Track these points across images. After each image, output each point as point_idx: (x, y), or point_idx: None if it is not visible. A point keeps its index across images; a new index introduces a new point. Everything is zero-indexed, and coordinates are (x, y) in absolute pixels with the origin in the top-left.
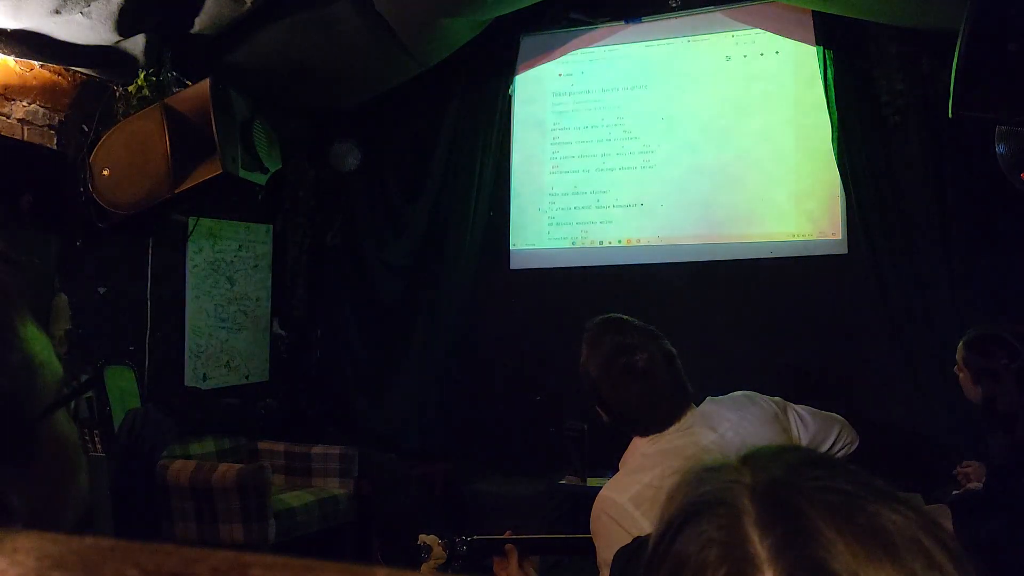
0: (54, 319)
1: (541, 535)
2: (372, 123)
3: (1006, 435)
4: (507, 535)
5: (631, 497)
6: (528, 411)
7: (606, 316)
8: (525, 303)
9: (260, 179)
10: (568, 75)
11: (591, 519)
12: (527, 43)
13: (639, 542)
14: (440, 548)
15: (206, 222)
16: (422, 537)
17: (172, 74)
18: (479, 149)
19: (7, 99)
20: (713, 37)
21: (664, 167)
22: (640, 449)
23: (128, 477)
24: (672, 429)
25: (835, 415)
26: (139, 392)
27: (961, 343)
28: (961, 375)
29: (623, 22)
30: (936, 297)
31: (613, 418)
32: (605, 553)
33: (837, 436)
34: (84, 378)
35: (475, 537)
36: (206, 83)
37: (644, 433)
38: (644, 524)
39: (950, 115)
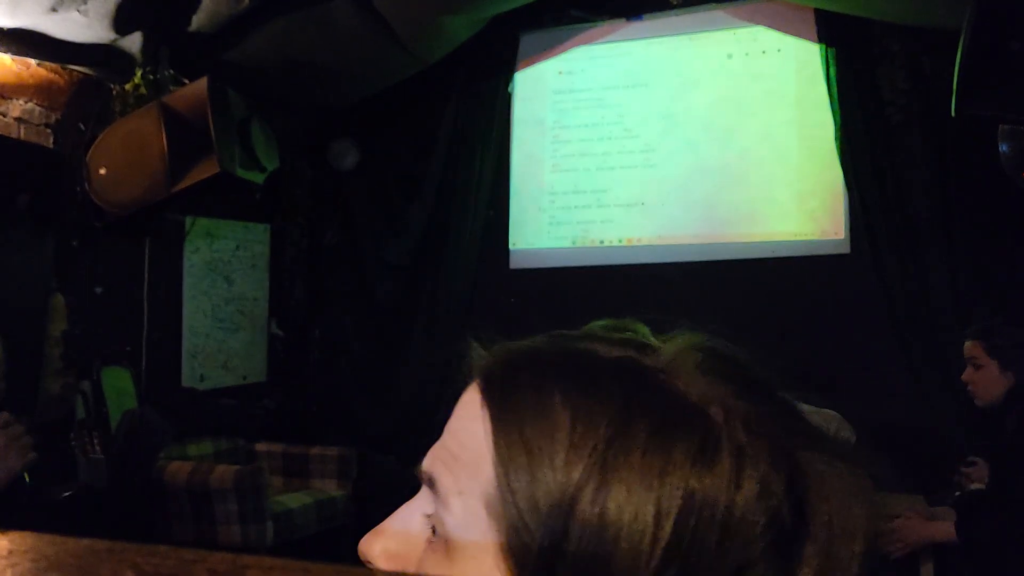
0: (50, 320)
1: None
2: (371, 122)
3: None
4: None
5: None
6: None
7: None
8: (525, 303)
9: (258, 178)
10: (568, 73)
11: None
12: (527, 41)
13: None
14: None
15: (203, 222)
16: None
17: (169, 72)
18: (478, 148)
19: (3, 98)
20: (715, 35)
21: (665, 166)
22: None
23: (125, 479)
24: None
25: (831, 411)
26: (136, 393)
27: (976, 342)
28: (981, 372)
29: (624, 19)
30: (939, 297)
31: None
32: None
33: (835, 433)
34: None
35: None
36: (203, 81)
37: None
38: None
39: (953, 114)
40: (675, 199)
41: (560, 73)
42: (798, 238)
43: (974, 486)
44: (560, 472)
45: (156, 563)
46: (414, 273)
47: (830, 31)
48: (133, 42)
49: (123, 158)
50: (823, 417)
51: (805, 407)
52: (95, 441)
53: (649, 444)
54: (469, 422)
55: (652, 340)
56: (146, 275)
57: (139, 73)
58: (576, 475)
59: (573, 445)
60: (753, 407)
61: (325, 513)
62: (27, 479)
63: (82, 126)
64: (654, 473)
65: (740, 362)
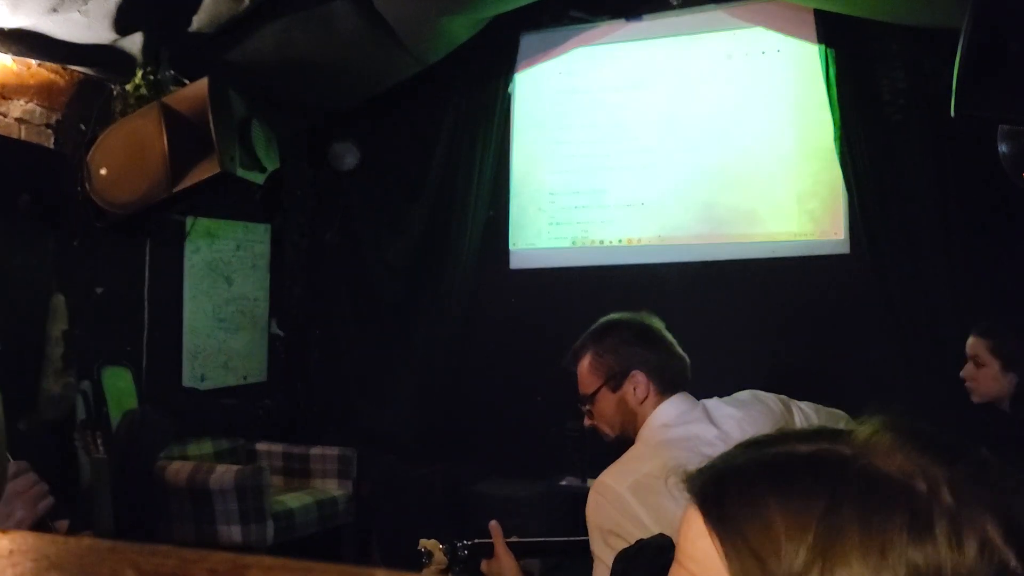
0: (51, 319)
1: (543, 539)
2: (371, 122)
3: None
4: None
5: (630, 485)
6: (528, 412)
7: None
8: (525, 303)
9: (258, 178)
10: (568, 73)
11: (587, 506)
12: (527, 41)
13: (640, 545)
14: (441, 553)
15: (204, 222)
16: (423, 542)
17: (170, 73)
18: (478, 148)
19: (4, 98)
20: (714, 35)
21: (665, 166)
22: (644, 440)
23: (125, 478)
24: (679, 413)
25: (839, 411)
26: (137, 393)
27: (980, 340)
28: (983, 370)
29: (624, 20)
30: (938, 297)
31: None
32: (598, 543)
33: None
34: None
35: (476, 541)
36: (204, 82)
37: (670, 386)
38: (641, 514)
39: (952, 114)
40: (675, 199)
41: (560, 74)
42: (798, 238)
43: None
44: (785, 564)
45: (157, 563)
46: (414, 273)
47: (830, 32)
48: (134, 42)
49: (124, 158)
50: (831, 416)
51: (813, 406)
52: (98, 441)
53: (863, 526)
54: (698, 541)
55: (846, 426)
56: (147, 275)
57: (140, 73)
58: (799, 565)
59: (790, 539)
60: (954, 470)
61: (326, 513)
62: (49, 524)
63: (83, 126)
64: (874, 552)
65: (930, 431)
